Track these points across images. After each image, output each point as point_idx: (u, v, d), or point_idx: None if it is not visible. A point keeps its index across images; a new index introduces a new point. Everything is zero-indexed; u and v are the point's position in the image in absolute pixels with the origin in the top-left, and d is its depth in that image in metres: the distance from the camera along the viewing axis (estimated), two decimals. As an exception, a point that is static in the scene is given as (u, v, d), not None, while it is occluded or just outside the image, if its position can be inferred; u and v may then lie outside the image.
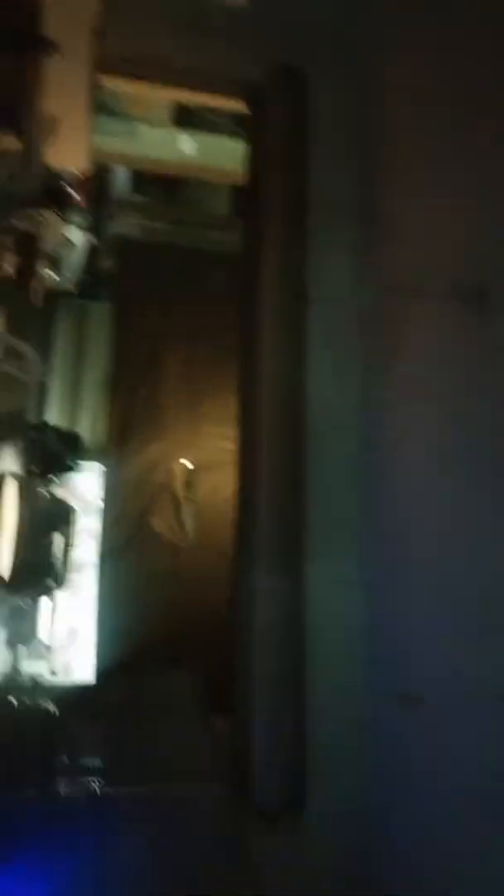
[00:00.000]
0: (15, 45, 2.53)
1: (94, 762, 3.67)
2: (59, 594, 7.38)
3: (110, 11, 3.97)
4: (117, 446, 5.06)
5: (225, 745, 3.86)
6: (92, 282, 8.24)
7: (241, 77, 4.26)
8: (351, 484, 3.85)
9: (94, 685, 4.39)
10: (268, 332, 3.87)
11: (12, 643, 7.99)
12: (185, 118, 5.98)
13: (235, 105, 4.57)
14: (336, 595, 3.70)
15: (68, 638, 9.00)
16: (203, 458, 5.02)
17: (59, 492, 8.82)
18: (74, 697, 4.04)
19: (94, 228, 7.62)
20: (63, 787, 3.54)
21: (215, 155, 6.06)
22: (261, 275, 3.92)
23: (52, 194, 5.99)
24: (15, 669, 8.09)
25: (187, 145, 5.99)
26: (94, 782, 3.63)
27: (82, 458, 8.63)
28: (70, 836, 3.45)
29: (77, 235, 7.04)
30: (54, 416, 9.71)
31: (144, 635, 4.55)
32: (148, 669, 4.30)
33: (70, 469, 8.44)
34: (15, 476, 4.30)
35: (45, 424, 8.35)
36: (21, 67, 2.56)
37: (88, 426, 9.87)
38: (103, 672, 4.47)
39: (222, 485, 4.99)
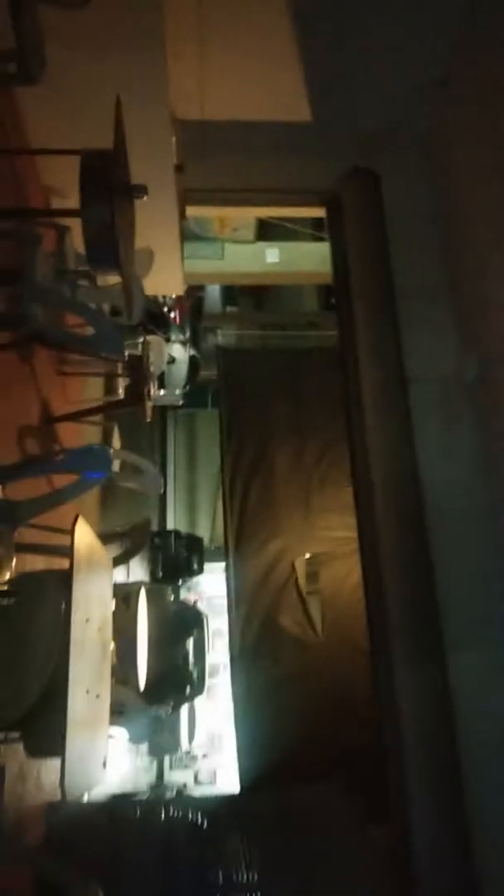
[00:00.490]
0: (108, 196, 2.81)
1: (250, 877, 3.53)
2: (198, 700, 7.37)
3: (187, 148, 4.39)
4: (237, 546, 5.12)
5: (385, 857, 3.62)
6: (196, 391, 8.70)
7: (316, 186, 4.52)
8: (486, 559, 3.68)
9: (241, 795, 4.26)
10: (372, 416, 3.91)
11: (155, 754, 7.98)
12: (267, 231, 6.39)
13: (314, 212, 4.85)
14: (488, 683, 3.47)
15: (210, 744, 8.88)
16: (322, 550, 5.00)
17: (188, 597, 8.95)
18: (223, 808, 3.93)
19: (194, 342, 8.13)
20: (221, 906, 3.42)
21: (298, 260, 6.39)
22: (359, 361, 4.01)
23: (154, 319, 6.49)
24: (160, 781, 8.02)
25: (271, 255, 6.35)
26: (251, 900, 3.48)
27: (205, 561, 8.82)
28: None
29: (179, 351, 7.51)
30: (174, 521, 10.05)
31: (285, 738, 4.41)
32: (293, 775, 4.14)
33: (195, 572, 8.64)
34: (145, 586, 4.43)
35: (167, 531, 8.65)
36: (116, 213, 2.84)
37: (208, 528, 10.13)
38: (248, 780, 4.35)
39: (345, 575, 4.91)
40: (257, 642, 4.79)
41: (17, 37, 3.04)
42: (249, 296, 9.34)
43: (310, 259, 6.24)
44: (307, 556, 4.99)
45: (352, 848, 3.73)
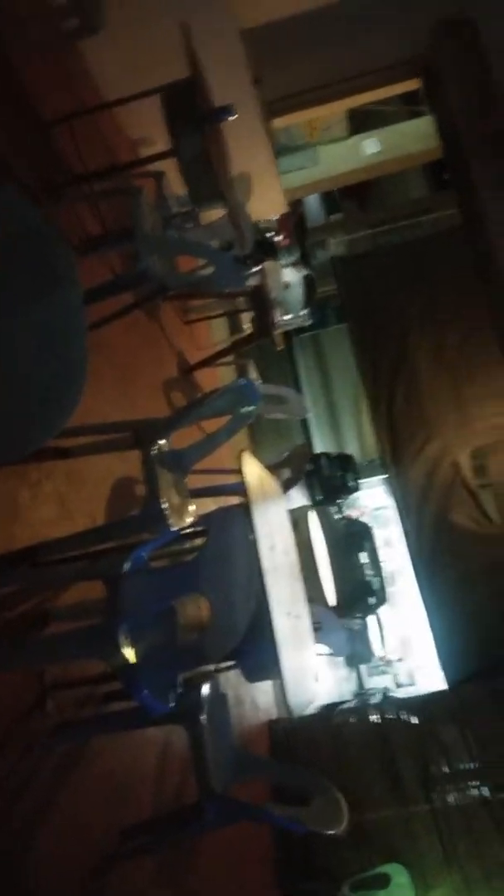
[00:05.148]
0: (197, 125, 2.74)
1: (475, 765, 3.60)
2: (384, 608, 7.51)
3: (260, 58, 4.15)
4: (393, 456, 5.04)
5: None
6: (318, 310, 8.52)
7: (405, 56, 4.15)
8: None
9: (450, 689, 4.32)
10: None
11: (352, 664, 8.27)
12: (359, 122, 5.98)
13: (409, 85, 4.46)
14: None
15: (402, 648, 9.08)
16: (484, 442, 4.79)
17: (351, 513, 9.05)
18: (435, 704, 4.01)
19: (304, 261, 7.91)
20: (452, 797, 3.52)
21: (399, 143, 5.94)
22: (488, 231, 3.71)
23: (261, 246, 6.35)
24: (362, 688, 8.33)
25: (370, 146, 5.96)
26: (479, 787, 3.55)
27: (360, 476, 8.81)
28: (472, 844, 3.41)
29: (291, 274, 7.34)
30: (320, 444, 10.08)
31: (484, 629, 4.39)
32: (500, 662, 4.13)
33: (352, 489, 8.66)
34: (311, 509, 4.50)
35: (317, 455, 8.69)
36: (208, 142, 2.77)
37: (355, 444, 10.07)
38: (454, 674, 4.39)
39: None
40: (434, 545, 4.76)
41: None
42: (352, 198, 8.89)
43: (412, 139, 5.78)
44: (470, 450, 4.81)
45: None
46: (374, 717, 4.00)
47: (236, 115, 2.81)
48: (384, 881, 3.19)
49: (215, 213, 3.80)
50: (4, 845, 1.65)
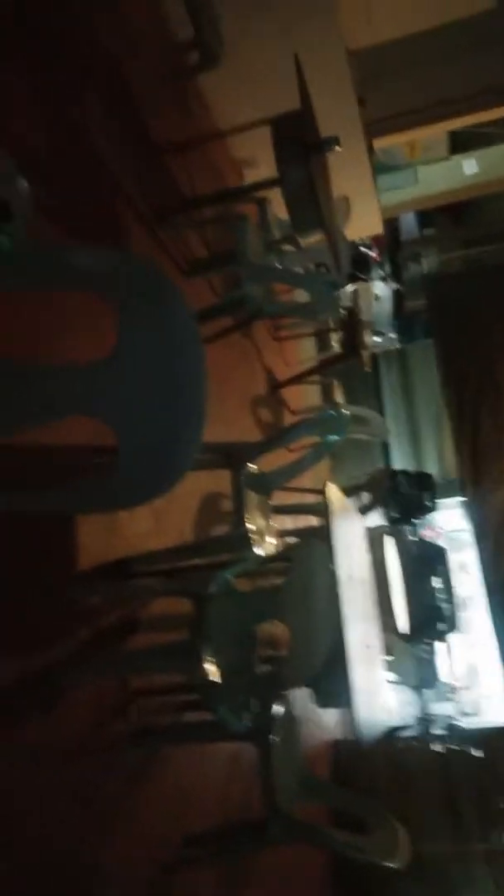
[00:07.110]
0: (304, 158, 2.81)
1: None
2: (453, 635, 7.38)
3: (364, 79, 4.19)
4: (474, 479, 4.97)
5: None
6: (405, 326, 8.46)
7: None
8: None
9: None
10: None
11: (418, 690, 8.17)
12: (460, 142, 5.92)
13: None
14: None
15: (471, 677, 8.89)
16: None
17: (426, 534, 8.94)
18: (497, 739, 3.95)
19: (395, 275, 7.87)
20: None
21: (499, 164, 5.86)
22: None
23: (356, 263, 6.38)
24: (427, 715, 8.22)
25: (469, 167, 5.89)
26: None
27: (438, 497, 8.67)
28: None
29: (381, 287, 7.34)
30: (399, 461, 9.98)
31: None
32: None
33: (429, 509, 8.53)
34: (386, 531, 4.49)
35: (395, 472, 8.62)
36: (314, 172, 2.84)
37: (435, 463, 9.92)
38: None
39: None
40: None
41: (194, 21, 3.11)
42: (447, 213, 8.78)
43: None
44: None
45: None
46: (437, 747, 3.98)
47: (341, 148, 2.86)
48: (437, 914, 3.19)
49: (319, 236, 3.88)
50: (74, 846, 1.76)
